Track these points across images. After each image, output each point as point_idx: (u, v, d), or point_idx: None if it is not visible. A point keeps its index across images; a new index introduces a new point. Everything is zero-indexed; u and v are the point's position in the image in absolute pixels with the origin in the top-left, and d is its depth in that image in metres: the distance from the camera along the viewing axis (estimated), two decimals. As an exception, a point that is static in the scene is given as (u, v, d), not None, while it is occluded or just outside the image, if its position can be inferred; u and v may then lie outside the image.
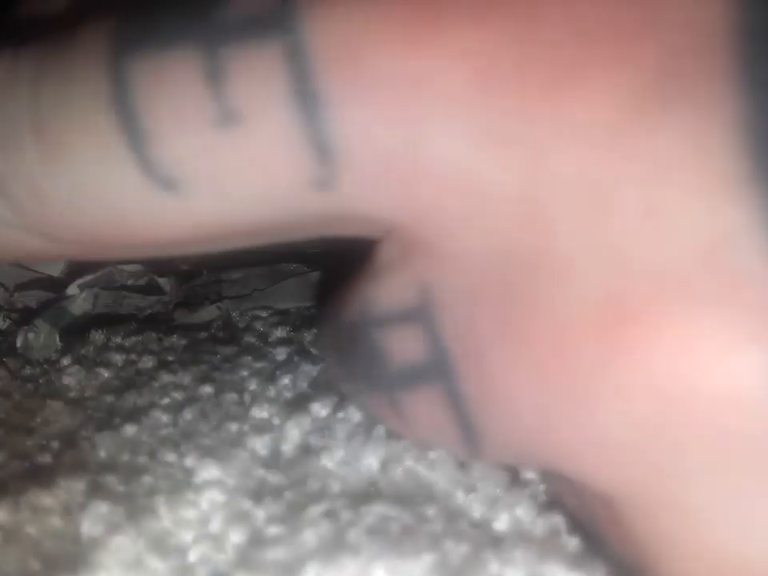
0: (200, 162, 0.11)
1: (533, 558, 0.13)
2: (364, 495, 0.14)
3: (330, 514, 0.13)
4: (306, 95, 0.10)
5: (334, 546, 0.12)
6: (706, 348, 0.10)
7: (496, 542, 0.13)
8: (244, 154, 0.11)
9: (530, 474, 0.15)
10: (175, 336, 0.19)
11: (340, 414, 0.16)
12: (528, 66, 0.10)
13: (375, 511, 0.13)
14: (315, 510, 0.13)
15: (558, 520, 0.14)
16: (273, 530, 0.13)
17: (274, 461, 0.15)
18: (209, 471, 0.14)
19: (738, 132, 0.09)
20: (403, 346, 0.12)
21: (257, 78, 0.10)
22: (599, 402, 0.11)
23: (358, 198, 0.11)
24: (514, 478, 0.15)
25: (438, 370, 0.12)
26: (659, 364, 0.10)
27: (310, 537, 0.13)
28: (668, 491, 0.11)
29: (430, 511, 0.14)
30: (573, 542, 0.14)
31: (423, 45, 0.10)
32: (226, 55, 0.10)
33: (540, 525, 0.14)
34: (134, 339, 0.19)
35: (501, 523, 0.14)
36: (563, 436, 0.11)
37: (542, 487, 0.14)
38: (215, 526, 0.14)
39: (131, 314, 0.21)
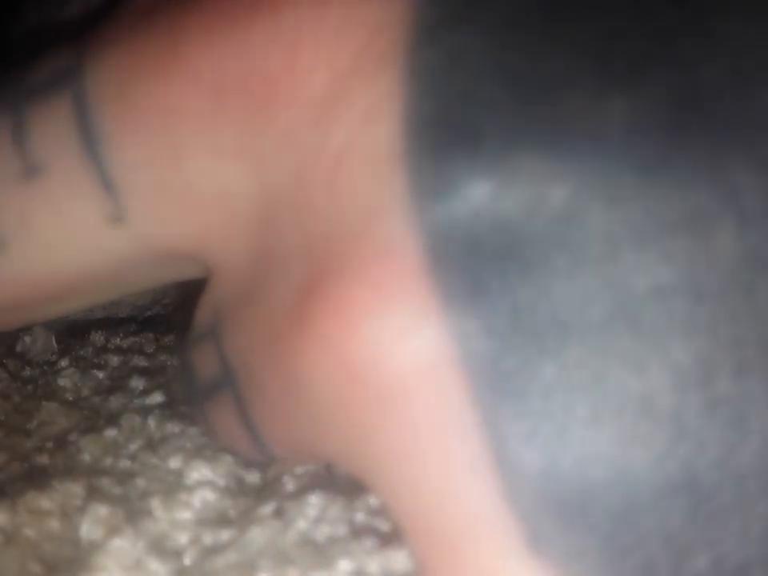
0: (14, 215, 0.12)
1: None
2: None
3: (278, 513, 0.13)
4: (89, 136, 0.11)
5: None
6: (369, 321, 0.10)
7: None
8: (49, 200, 0.12)
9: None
10: (172, 335, 0.19)
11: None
12: (249, 80, 0.11)
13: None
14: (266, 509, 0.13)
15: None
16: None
17: (254, 462, 0.14)
18: (199, 472, 0.14)
19: (399, 115, 0.10)
20: (204, 362, 0.13)
21: (51, 128, 0.12)
22: (304, 387, 0.11)
23: (149, 229, 0.12)
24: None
25: (226, 380, 0.13)
26: (333, 337, 0.10)
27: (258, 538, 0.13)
28: (377, 468, 0.11)
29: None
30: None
31: (167, 74, 0.11)
32: (26, 112, 0.12)
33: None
34: (131, 340, 0.19)
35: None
36: (308, 433, 0.12)
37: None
38: (207, 527, 0.14)
39: (131, 315, 0.20)
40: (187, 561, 0.13)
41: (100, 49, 0.12)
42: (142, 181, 0.12)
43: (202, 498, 0.14)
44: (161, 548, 0.14)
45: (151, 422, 0.15)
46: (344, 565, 0.12)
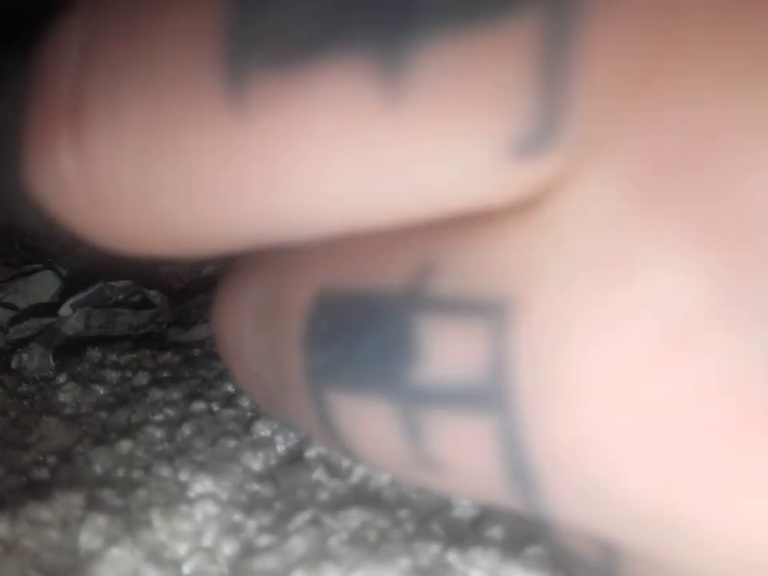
0: None
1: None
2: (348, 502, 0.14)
3: (315, 522, 0.13)
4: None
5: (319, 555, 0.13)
6: None
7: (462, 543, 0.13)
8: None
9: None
10: (169, 353, 0.19)
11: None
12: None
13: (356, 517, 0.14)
14: (302, 518, 0.14)
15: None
16: (263, 540, 0.14)
17: (267, 475, 0.15)
18: (203, 485, 0.15)
19: None
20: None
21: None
22: None
23: None
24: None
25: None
26: None
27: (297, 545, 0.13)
28: None
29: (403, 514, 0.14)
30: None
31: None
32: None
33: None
34: (128, 356, 0.19)
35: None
36: None
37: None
38: (209, 538, 0.14)
39: (126, 333, 0.21)
40: (186, 570, 0.14)
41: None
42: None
43: (203, 510, 0.14)
44: (159, 557, 0.14)
45: (168, 435, 0.16)
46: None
